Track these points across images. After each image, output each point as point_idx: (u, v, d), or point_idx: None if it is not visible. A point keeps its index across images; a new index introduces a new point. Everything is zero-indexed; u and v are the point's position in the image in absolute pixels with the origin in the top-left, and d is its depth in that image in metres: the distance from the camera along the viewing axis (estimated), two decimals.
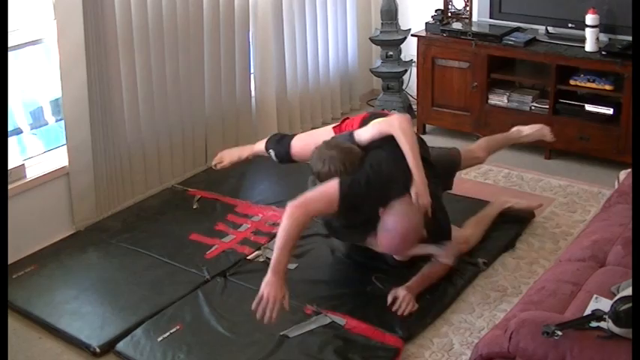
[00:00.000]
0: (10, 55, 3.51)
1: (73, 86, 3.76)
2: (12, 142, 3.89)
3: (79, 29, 3.66)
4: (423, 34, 4.98)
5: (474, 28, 4.86)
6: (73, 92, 3.77)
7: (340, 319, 3.14)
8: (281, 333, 3.08)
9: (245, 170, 4.55)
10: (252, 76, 4.83)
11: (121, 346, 3.07)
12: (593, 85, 4.43)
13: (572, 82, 4.49)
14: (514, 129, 4.04)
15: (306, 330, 3.10)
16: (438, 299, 3.29)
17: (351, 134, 3.37)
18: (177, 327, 3.15)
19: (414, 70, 5.15)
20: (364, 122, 3.46)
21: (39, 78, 4.09)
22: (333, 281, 3.46)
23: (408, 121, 3.30)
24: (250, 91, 4.84)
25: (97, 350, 3.07)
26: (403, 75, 5.29)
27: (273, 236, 3.61)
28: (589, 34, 4.39)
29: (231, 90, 4.66)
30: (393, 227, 3.10)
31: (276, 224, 3.61)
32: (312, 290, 3.36)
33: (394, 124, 3.25)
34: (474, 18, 4.97)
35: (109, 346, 3.08)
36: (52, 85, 3.94)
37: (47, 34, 3.81)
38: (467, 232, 3.63)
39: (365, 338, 3.05)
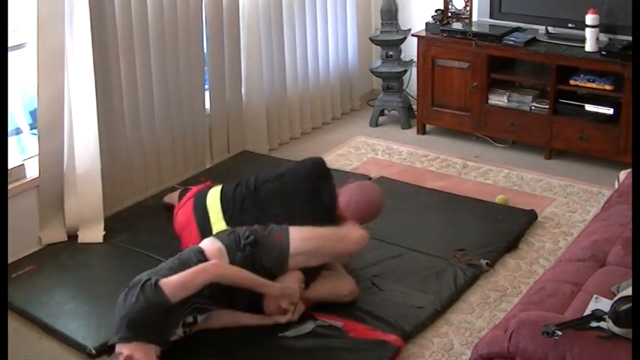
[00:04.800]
0: (11, 55, 3.51)
1: (77, 84, 3.76)
2: (12, 142, 3.89)
3: (60, 34, 3.63)
4: (423, 34, 4.98)
5: (474, 28, 4.86)
6: (78, 91, 3.77)
7: (337, 323, 3.13)
8: (280, 334, 3.07)
9: (246, 170, 4.55)
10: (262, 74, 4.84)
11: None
12: (593, 85, 4.43)
13: (572, 82, 4.49)
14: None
15: (305, 331, 3.09)
16: (437, 299, 3.29)
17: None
18: None
19: (414, 70, 5.15)
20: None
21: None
22: None
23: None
24: (245, 90, 4.84)
25: (93, 352, 3.06)
26: (403, 75, 5.29)
27: None
28: (589, 34, 4.38)
29: (235, 88, 4.67)
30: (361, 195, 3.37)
31: None
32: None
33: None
34: (474, 18, 4.97)
35: (106, 348, 3.07)
36: None
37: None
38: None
39: (365, 338, 3.04)
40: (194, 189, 3.59)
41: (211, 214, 3.33)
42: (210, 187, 3.53)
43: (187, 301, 2.81)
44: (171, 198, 4.02)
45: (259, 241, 3.03)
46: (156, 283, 2.76)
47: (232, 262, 2.98)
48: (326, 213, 3.27)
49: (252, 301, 3.05)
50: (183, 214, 3.44)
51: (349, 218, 3.29)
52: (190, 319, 2.87)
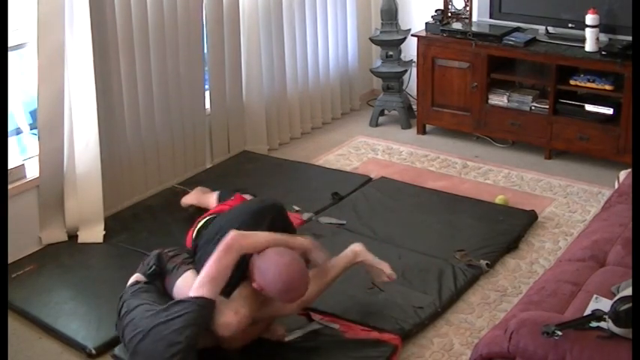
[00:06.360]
0: (11, 54, 3.51)
1: (77, 84, 3.76)
2: (12, 142, 3.89)
3: (60, 34, 3.63)
4: (423, 34, 4.98)
5: (474, 28, 4.86)
6: (78, 91, 3.77)
7: (333, 324, 3.13)
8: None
9: (247, 171, 4.56)
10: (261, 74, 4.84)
11: (117, 350, 3.04)
12: (593, 85, 4.43)
13: (572, 82, 4.49)
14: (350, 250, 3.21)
15: (301, 334, 3.09)
16: (437, 299, 3.29)
17: None
18: None
19: (414, 70, 5.15)
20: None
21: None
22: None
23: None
24: (245, 90, 4.84)
25: (93, 352, 3.07)
26: (403, 75, 5.28)
27: None
28: (589, 34, 4.38)
29: (235, 88, 4.67)
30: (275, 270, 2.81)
31: None
32: None
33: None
34: (474, 18, 4.97)
35: (105, 348, 3.07)
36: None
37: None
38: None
39: (361, 338, 3.04)
40: (216, 208, 3.49)
41: None
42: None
43: None
44: (197, 199, 3.94)
45: (163, 273, 2.99)
46: (197, 298, 2.68)
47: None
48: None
49: None
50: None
51: (256, 285, 2.86)
52: None
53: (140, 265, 3.09)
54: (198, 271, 2.86)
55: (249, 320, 2.82)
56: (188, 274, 2.93)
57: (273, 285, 2.80)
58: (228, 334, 2.79)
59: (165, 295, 2.94)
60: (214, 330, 2.78)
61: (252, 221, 2.99)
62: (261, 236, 2.88)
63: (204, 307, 2.70)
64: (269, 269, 2.80)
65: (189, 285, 2.81)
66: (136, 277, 3.03)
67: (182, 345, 2.64)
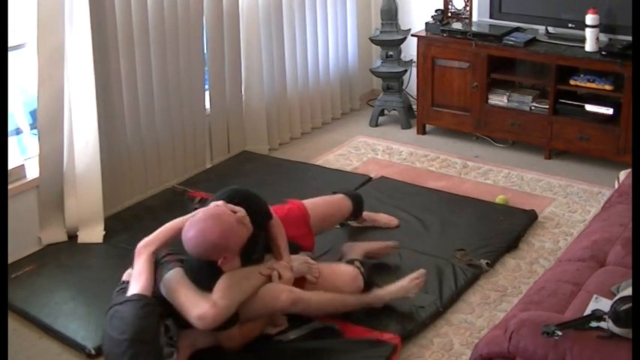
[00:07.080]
0: (11, 55, 3.51)
1: (77, 84, 3.76)
2: (12, 142, 3.89)
3: (60, 34, 3.64)
4: (423, 34, 4.98)
5: (474, 28, 4.86)
6: (78, 91, 3.77)
7: (333, 324, 3.12)
8: (276, 337, 3.07)
9: (247, 171, 4.55)
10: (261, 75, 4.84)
11: None
12: (593, 85, 4.43)
13: (572, 82, 4.49)
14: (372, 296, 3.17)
15: (301, 334, 3.08)
16: (438, 299, 3.29)
17: None
18: None
19: (414, 70, 5.15)
20: None
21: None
22: None
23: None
24: (245, 90, 4.84)
25: (92, 352, 3.07)
26: (403, 75, 5.28)
27: None
28: (589, 34, 4.39)
29: (235, 88, 4.67)
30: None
31: None
32: None
33: None
34: (474, 18, 4.97)
35: None
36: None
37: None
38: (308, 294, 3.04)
39: (361, 338, 3.04)
40: None
41: None
42: None
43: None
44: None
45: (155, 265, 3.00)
46: (129, 299, 2.80)
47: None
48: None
49: None
50: None
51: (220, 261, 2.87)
52: (169, 320, 2.87)
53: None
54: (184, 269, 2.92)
55: (229, 312, 2.80)
56: (177, 270, 2.92)
57: (189, 240, 2.81)
58: (204, 327, 2.78)
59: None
60: (191, 324, 2.79)
61: None
62: (158, 230, 3.01)
63: (138, 301, 2.78)
64: (185, 235, 2.84)
65: (176, 280, 2.86)
66: (127, 273, 3.03)
67: (127, 343, 2.70)
